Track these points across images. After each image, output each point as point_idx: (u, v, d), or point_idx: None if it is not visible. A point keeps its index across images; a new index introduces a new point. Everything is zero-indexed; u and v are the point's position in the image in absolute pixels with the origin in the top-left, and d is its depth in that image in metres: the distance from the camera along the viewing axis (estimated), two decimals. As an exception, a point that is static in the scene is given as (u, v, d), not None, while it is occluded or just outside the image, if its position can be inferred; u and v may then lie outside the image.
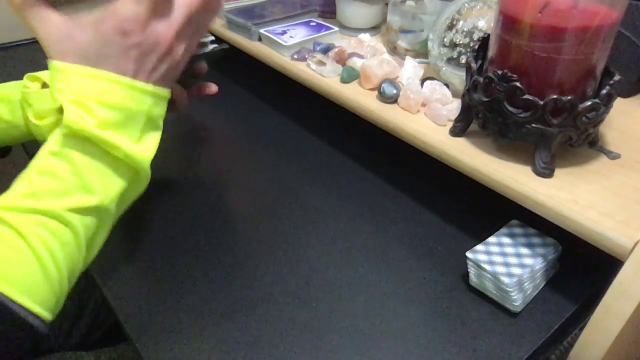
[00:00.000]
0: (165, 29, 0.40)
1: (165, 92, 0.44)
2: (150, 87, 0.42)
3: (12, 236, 0.36)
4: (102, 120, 0.39)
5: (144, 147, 0.42)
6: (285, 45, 0.68)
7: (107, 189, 0.40)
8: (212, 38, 0.55)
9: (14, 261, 0.36)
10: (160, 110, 0.44)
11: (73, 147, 0.39)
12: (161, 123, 0.44)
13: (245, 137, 0.74)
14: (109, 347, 0.61)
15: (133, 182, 0.43)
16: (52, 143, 0.39)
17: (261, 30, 0.72)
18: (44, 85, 0.57)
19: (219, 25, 0.81)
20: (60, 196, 0.38)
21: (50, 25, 0.39)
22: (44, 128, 0.40)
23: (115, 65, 0.39)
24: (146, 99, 0.41)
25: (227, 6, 0.81)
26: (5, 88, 0.58)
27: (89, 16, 0.40)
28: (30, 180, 0.38)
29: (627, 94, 0.58)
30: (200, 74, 0.57)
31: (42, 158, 0.39)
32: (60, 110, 0.39)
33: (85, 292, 0.66)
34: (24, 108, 0.57)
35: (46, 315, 0.37)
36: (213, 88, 0.58)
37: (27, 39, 0.99)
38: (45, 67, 0.41)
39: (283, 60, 0.69)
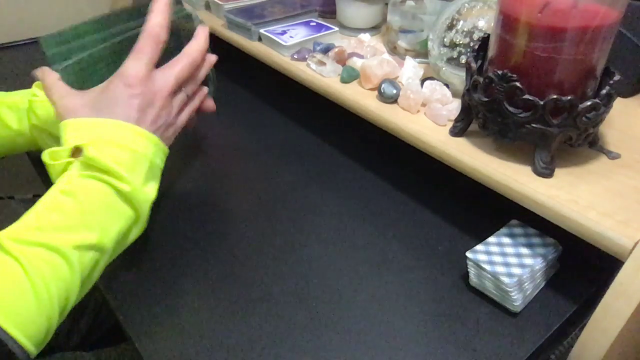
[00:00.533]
0: (161, 85, 0.48)
1: (164, 147, 0.49)
2: (152, 135, 0.46)
3: (15, 267, 0.37)
4: (114, 158, 0.42)
5: (147, 191, 0.45)
6: (285, 45, 0.68)
7: (108, 228, 0.42)
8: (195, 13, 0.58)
9: (12, 293, 0.37)
10: (160, 162, 0.48)
11: (83, 185, 0.42)
12: (159, 175, 0.48)
13: (245, 137, 0.74)
14: (109, 348, 0.61)
15: (132, 225, 0.45)
16: (64, 183, 0.42)
17: (261, 30, 0.72)
18: None
19: (218, 25, 0.81)
20: (64, 231, 0.40)
21: (65, 93, 0.46)
22: (55, 169, 0.43)
23: (122, 113, 0.45)
24: (149, 145, 0.46)
25: (227, 6, 0.81)
26: (16, 96, 0.60)
27: (99, 85, 0.47)
28: (37, 214, 0.40)
29: (627, 94, 0.58)
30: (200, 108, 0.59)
31: (51, 196, 0.42)
32: (73, 154, 0.42)
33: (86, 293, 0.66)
34: (29, 116, 0.58)
35: (32, 350, 0.37)
36: (210, 105, 0.59)
37: (27, 39, 0.99)
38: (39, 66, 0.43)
39: (283, 60, 0.69)
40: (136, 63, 0.46)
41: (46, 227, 0.39)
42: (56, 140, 0.49)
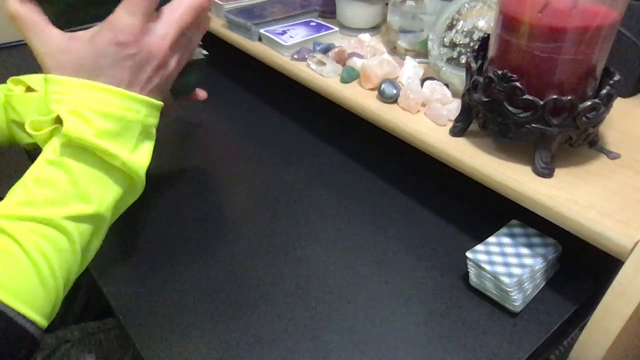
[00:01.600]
0: (159, 41, 0.42)
1: (158, 103, 0.44)
2: (144, 97, 0.42)
3: (10, 244, 0.36)
4: (99, 130, 0.39)
5: (140, 156, 0.43)
6: (285, 45, 0.68)
7: (103, 197, 0.41)
8: (205, 52, 0.55)
9: (12, 269, 0.36)
10: (153, 120, 0.44)
11: (70, 156, 0.39)
12: (154, 132, 0.45)
13: (245, 137, 0.74)
14: (94, 321, 0.62)
15: (128, 190, 0.44)
16: (49, 152, 0.39)
17: (261, 30, 0.72)
18: (28, 89, 0.58)
19: (218, 25, 0.81)
20: (57, 204, 0.38)
21: (47, 39, 0.40)
22: (40, 138, 0.40)
23: (111, 76, 0.40)
24: (141, 108, 0.42)
25: (227, 6, 0.81)
26: None
27: (85, 31, 0.41)
28: (27, 188, 0.38)
29: (627, 94, 0.58)
30: (192, 97, 0.57)
31: (39, 167, 0.39)
32: (56, 121, 0.39)
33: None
34: (7, 111, 0.57)
35: (42, 322, 0.37)
36: (202, 95, 0.58)
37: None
38: (40, 70, 0.42)
39: (283, 60, 0.69)
40: (128, 15, 0.39)
41: (37, 201, 0.38)
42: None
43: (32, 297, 0.36)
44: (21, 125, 0.57)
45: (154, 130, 0.45)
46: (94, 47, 0.40)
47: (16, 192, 0.39)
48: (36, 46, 0.40)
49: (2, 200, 0.39)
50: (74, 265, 0.39)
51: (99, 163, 0.40)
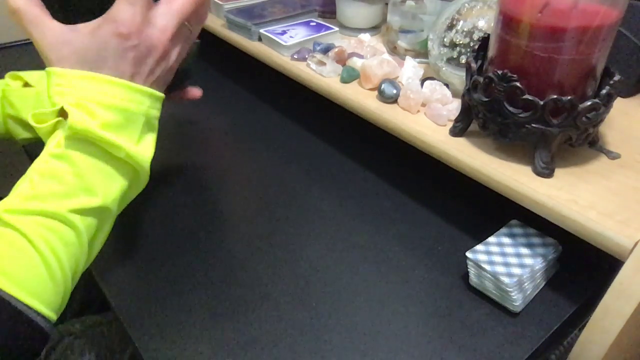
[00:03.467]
0: (161, 33, 0.42)
1: (160, 94, 0.45)
2: (147, 88, 0.42)
3: (18, 239, 0.36)
4: (104, 122, 0.39)
5: (144, 148, 0.43)
6: (285, 45, 0.68)
7: (109, 189, 0.41)
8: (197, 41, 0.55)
9: (21, 263, 0.36)
10: (156, 112, 0.44)
11: (75, 148, 0.39)
12: (157, 124, 0.45)
13: (245, 137, 0.74)
14: (94, 315, 0.62)
15: (133, 182, 0.44)
16: (53, 145, 0.39)
17: (261, 30, 0.72)
18: (25, 85, 0.58)
19: (218, 25, 0.81)
20: (63, 198, 0.38)
21: (48, 32, 0.40)
22: (43, 131, 0.40)
23: (114, 68, 0.40)
24: (144, 100, 0.42)
25: (227, 6, 0.81)
26: None
27: (85, 24, 0.41)
28: (32, 182, 0.38)
29: (627, 94, 0.58)
30: (185, 95, 0.57)
31: (43, 161, 0.39)
32: (59, 114, 0.39)
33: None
34: (3, 106, 0.57)
35: (52, 315, 0.37)
36: (196, 93, 0.58)
37: (27, 39, 0.99)
38: (41, 69, 0.41)
39: (283, 60, 0.69)
40: (129, 7, 0.39)
41: (43, 195, 0.38)
42: (32, 131, 0.46)
43: (42, 291, 0.36)
44: (18, 120, 0.57)
45: (156, 122, 0.45)
46: (95, 39, 0.40)
47: (21, 186, 0.39)
48: (38, 39, 0.40)
49: (8, 196, 0.38)
50: (81, 258, 0.40)
51: (103, 155, 0.40)
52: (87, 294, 0.70)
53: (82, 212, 0.39)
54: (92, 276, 0.50)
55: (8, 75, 0.58)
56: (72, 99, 0.39)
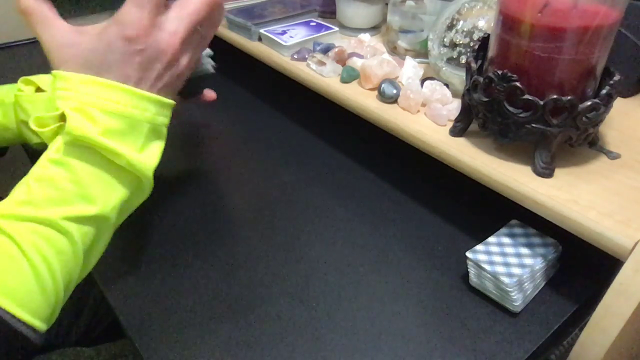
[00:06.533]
0: (170, 37, 0.40)
1: (168, 101, 0.43)
2: (153, 95, 0.41)
3: (7, 244, 0.35)
4: (105, 128, 0.38)
5: (147, 156, 0.42)
6: (285, 45, 0.68)
7: (108, 198, 0.40)
8: (211, 53, 0.55)
9: (9, 271, 0.35)
10: (164, 119, 0.43)
11: (74, 154, 0.38)
12: (165, 132, 0.44)
13: (245, 138, 0.74)
14: (109, 343, 0.61)
15: (135, 191, 0.42)
16: (53, 151, 0.38)
17: (261, 30, 0.72)
18: (38, 90, 0.58)
19: (219, 25, 0.81)
20: (58, 205, 0.37)
21: (55, 33, 0.39)
22: (45, 135, 0.40)
23: (119, 72, 0.39)
24: (149, 106, 0.41)
25: (227, 6, 0.81)
26: (0, 91, 0.58)
27: (94, 26, 0.40)
28: (28, 187, 0.38)
29: (627, 94, 0.58)
30: (201, 98, 0.57)
31: (41, 166, 0.38)
32: (62, 118, 0.39)
33: (84, 289, 0.67)
34: (16, 111, 0.57)
35: (40, 325, 0.36)
36: (212, 95, 0.58)
37: (27, 39, 0.99)
38: (43, 69, 0.41)
39: (283, 60, 0.69)
40: (136, 8, 0.38)
41: (38, 201, 0.37)
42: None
43: (29, 300, 0.35)
44: (29, 125, 0.57)
45: (164, 130, 0.44)
46: (101, 41, 0.39)
47: (17, 191, 0.38)
48: (45, 40, 0.40)
49: (3, 200, 0.38)
50: (75, 267, 0.38)
51: (104, 162, 0.39)
52: (94, 314, 0.68)
53: (78, 220, 0.38)
54: (101, 292, 0.49)
55: (21, 80, 0.57)
56: (75, 104, 0.38)
